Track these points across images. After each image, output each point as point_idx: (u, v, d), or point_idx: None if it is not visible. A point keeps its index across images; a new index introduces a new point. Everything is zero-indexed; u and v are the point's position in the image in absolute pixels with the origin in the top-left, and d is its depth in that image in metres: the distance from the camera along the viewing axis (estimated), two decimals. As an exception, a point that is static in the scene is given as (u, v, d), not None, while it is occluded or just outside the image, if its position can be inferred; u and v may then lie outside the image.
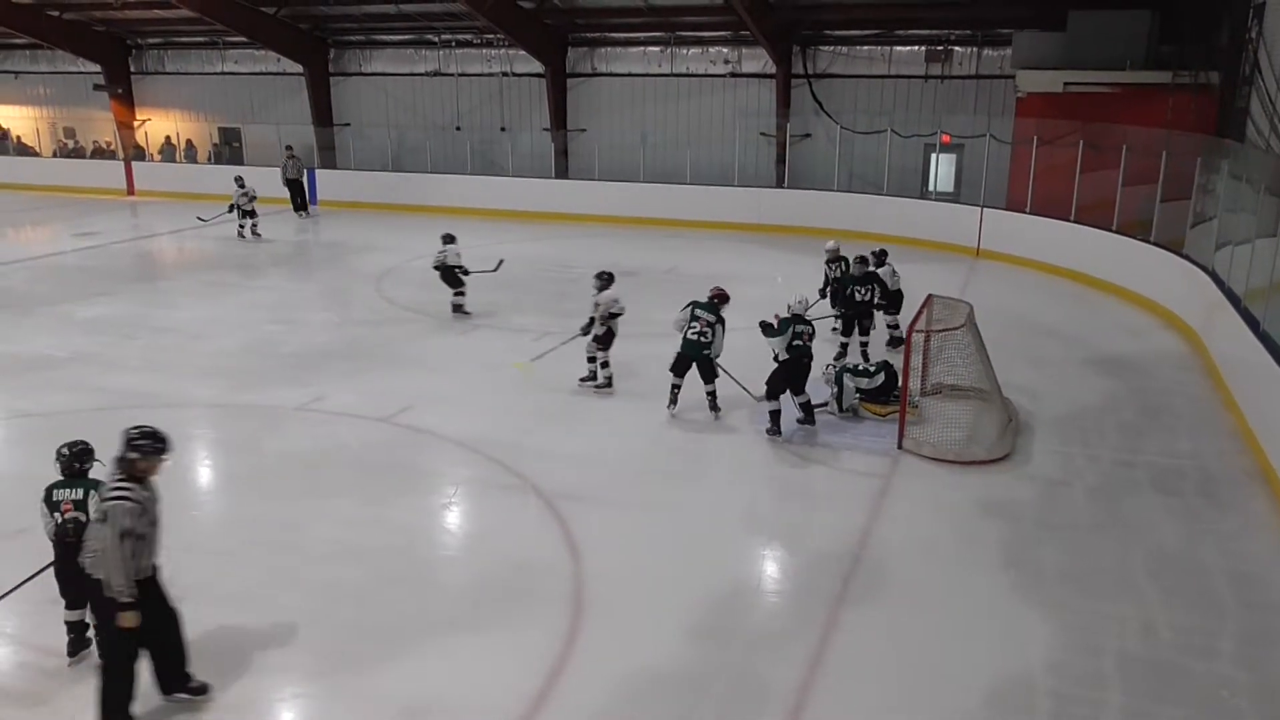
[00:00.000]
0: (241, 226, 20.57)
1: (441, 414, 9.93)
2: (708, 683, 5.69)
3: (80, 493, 5.63)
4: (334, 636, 6.13)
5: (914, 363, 9.46)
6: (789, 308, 9.41)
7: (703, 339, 9.62)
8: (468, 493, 8.43)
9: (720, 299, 9.87)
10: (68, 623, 5.76)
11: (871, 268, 11.81)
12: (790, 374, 9.37)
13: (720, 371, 9.84)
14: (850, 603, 6.54)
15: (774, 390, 9.36)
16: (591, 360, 10.72)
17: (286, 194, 23.62)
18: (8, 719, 5.38)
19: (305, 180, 24.34)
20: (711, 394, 9.83)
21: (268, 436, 9.52)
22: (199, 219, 21.28)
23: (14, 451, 9.46)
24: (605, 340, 10.58)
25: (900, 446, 9.08)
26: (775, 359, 9.45)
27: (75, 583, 5.45)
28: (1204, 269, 12.60)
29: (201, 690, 5.50)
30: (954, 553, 7.27)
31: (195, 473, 8.99)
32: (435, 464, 8.97)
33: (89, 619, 5.54)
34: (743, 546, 7.43)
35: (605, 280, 10.54)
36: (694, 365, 9.71)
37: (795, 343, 9.29)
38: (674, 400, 9.93)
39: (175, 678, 5.46)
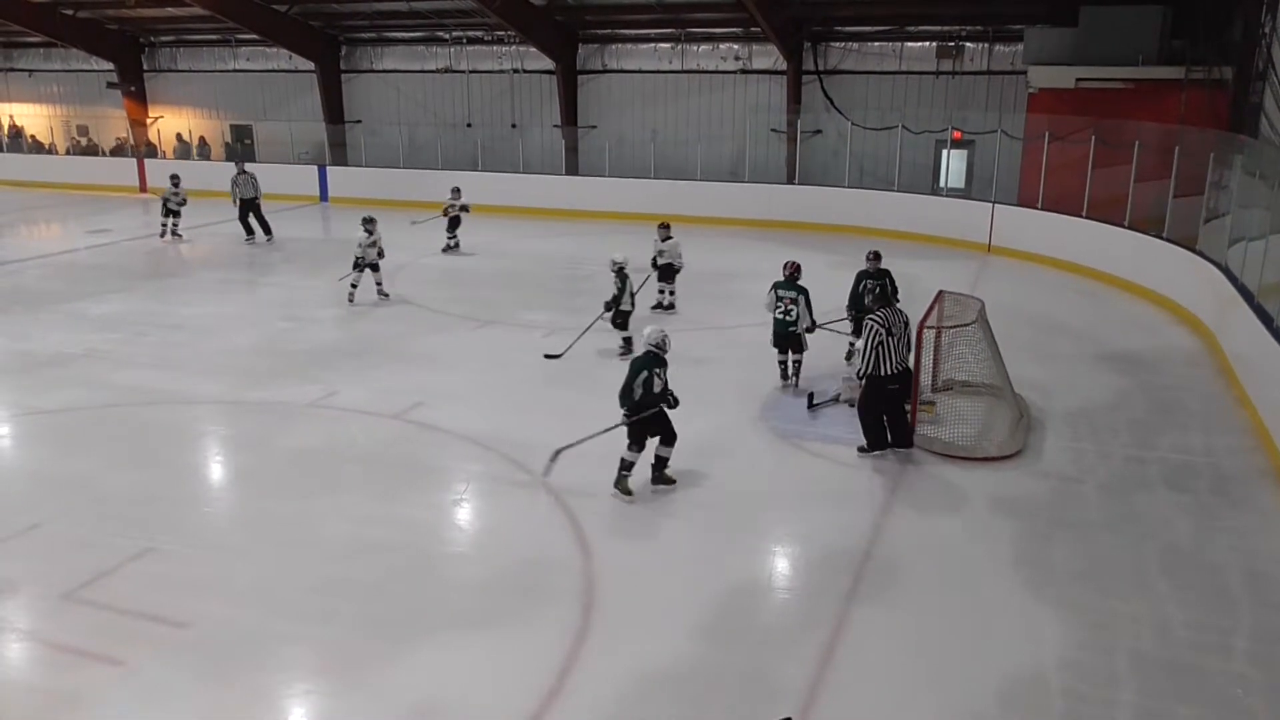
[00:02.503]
0: (164, 226, 19.92)
1: (452, 410, 9.95)
2: (718, 680, 5.68)
3: None
4: (344, 632, 6.15)
5: (925, 359, 9.44)
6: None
7: (788, 317, 10.24)
8: (479, 489, 8.44)
9: (796, 272, 10.44)
10: None
11: (882, 264, 11.68)
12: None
13: (806, 344, 10.50)
14: (861, 600, 6.52)
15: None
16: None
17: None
18: (30, 714, 5.40)
19: (260, 199, 19.98)
20: (796, 363, 10.57)
21: (279, 433, 9.55)
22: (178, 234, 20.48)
23: (25, 448, 9.51)
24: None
25: (911, 443, 9.05)
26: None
27: None
28: (1217, 265, 12.53)
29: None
30: (965, 550, 7.25)
31: (207, 469, 9.04)
32: (446, 460, 8.99)
33: None
34: (753, 543, 7.42)
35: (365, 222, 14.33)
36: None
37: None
38: (783, 374, 10.61)
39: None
